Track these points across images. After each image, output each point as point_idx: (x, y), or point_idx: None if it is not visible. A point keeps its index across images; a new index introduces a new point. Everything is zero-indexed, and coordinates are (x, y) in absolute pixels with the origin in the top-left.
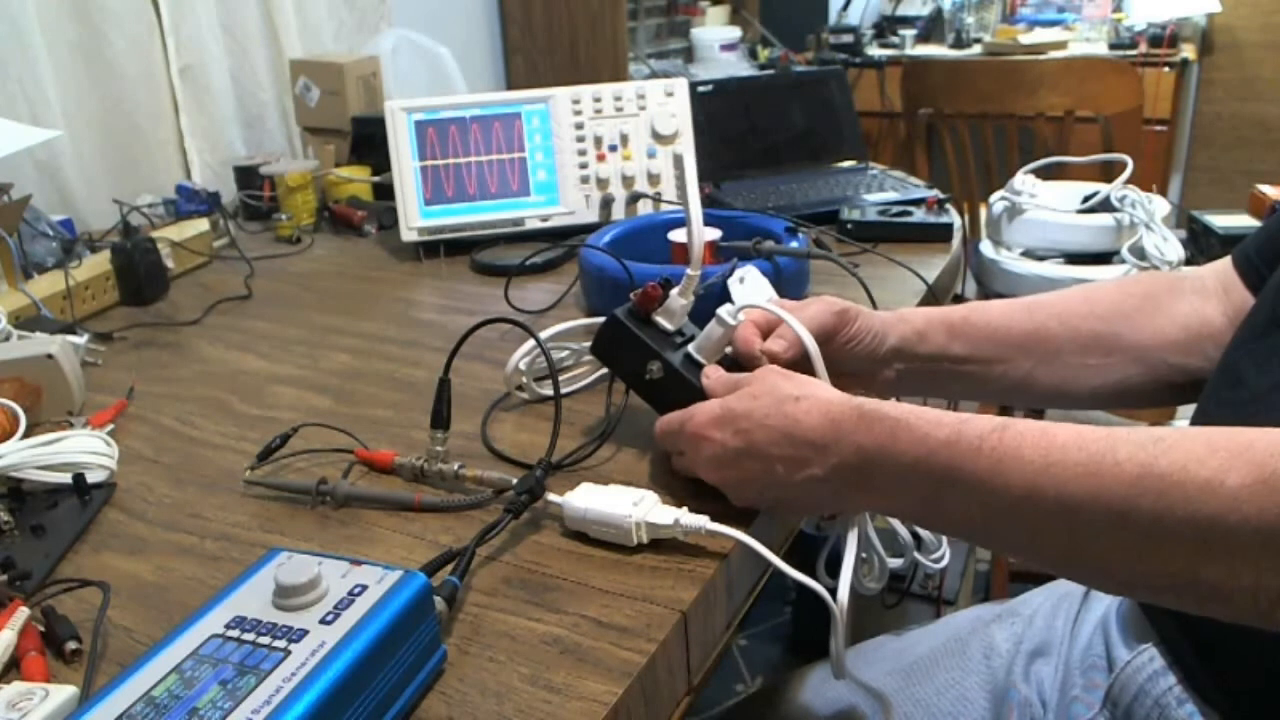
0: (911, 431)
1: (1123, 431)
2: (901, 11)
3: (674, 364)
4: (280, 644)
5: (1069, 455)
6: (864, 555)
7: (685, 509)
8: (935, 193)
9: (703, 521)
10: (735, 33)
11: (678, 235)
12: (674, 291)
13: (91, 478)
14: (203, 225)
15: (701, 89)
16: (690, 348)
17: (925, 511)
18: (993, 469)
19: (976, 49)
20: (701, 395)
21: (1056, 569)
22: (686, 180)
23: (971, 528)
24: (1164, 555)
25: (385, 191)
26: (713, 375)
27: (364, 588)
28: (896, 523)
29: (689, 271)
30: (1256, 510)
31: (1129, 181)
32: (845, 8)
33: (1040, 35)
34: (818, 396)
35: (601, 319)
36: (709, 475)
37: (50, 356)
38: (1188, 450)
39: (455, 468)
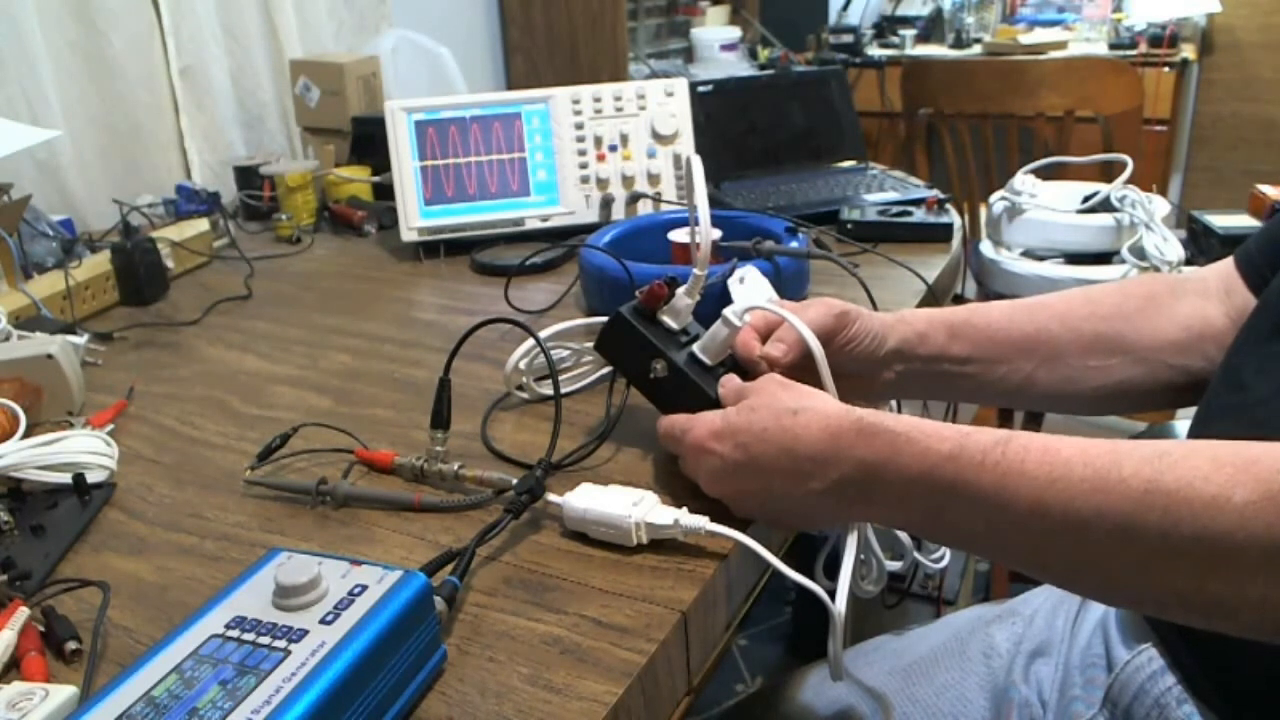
0: (913, 445)
1: (1127, 445)
2: (901, 11)
3: (678, 363)
4: (280, 644)
5: (1073, 470)
6: (862, 557)
7: (685, 509)
8: (935, 193)
9: (702, 522)
10: (735, 33)
11: (678, 235)
12: (680, 290)
13: (91, 478)
14: (203, 225)
15: (701, 89)
16: (695, 347)
17: (928, 525)
18: (997, 484)
19: (976, 49)
20: (704, 395)
21: (1061, 583)
22: (695, 182)
23: (975, 542)
24: (1170, 571)
25: (385, 191)
26: (728, 385)
27: (364, 588)
28: None
29: (695, 271)
30: (1263, 526)
31: (1129, 181)
32: (845, 8)
33: (1040, 35)
34: (816, 409)
35: (602, 318)
36: (709, 488)
37: (50, 356)
38: (1193, 466)
39: (455, 468)
